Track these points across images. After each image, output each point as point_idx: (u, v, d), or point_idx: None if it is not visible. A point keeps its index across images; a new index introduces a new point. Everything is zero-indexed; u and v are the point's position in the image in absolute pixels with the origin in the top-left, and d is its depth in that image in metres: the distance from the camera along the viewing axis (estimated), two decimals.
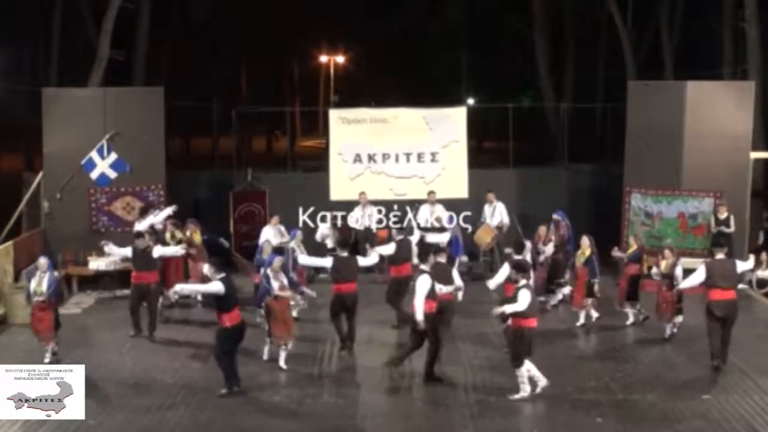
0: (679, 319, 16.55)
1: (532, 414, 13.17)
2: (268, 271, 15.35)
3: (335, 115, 24.37)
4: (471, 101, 41.86)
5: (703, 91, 21.64)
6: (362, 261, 17.01)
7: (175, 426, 12.86)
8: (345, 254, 16.63)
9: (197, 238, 19.48)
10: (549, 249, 18.74)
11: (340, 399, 13.77)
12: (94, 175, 21.41)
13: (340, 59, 55.46)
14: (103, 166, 21.40)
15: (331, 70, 56.02)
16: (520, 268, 14.03)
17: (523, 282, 13.63)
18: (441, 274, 14.88)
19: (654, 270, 16.93)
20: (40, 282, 15.39)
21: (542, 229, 19.24)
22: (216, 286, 13.83)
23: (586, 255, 17.66)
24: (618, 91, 25.55)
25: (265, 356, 15.31)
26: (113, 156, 21.39)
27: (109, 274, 20.60)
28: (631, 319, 17.68)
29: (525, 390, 13.59)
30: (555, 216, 19.79)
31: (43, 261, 15.68)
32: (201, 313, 18.82)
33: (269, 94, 44.39)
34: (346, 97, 49.41)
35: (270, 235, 20.17)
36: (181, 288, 15.41)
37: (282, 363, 15.04)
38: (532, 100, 37.79)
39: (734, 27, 25.89)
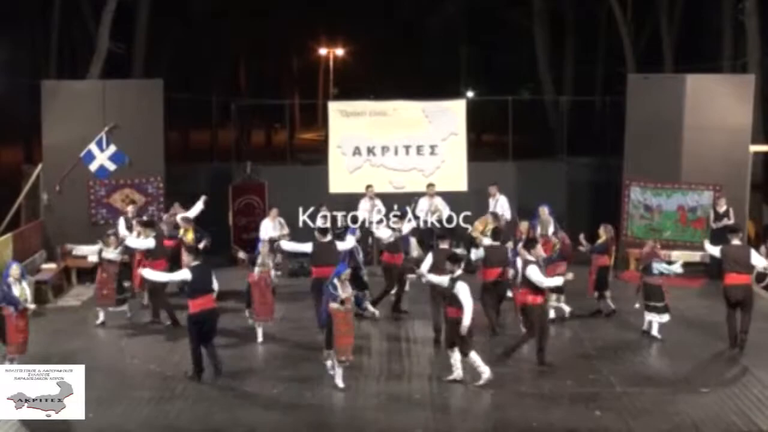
0: (665, 318, 16.21)
1: (530, 408, 13.12)
2: (335, 280, 13.89)
3: (334, 108, 24.32)
4: (470, 94, 41.84)
5: (703, 85, 21.60)
6: (341, 245, 17.21)
7: (174, 419, 12.85)
8: (325, 239, 16.92)
9: (189, 236, 19.11)
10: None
11: (339, 392, 13.73)
12: (93, 167, 21.38)
13: (340, 52, 55.43)
14: (102, 158, 21.38)
15: (331, 63, 56.02)
16: (452, 258, 14.28)
17: (458, 272, 13.87)
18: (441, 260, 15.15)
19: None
20: (23, 290, 14.29)
21: (524, 225, 18.92)
22: (184, 274, 14.33)
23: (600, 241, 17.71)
24: (618, 84, 25.54)
25: (333, 375, 14.02)
26: (112, 148, 21.36)
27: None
28: (598, 308, 17.79)
29: (485, 373, 13.77)
30: (542, 208, 19.50)
31: (15, 267, 14.42)
32: None
33: (268, 87, 44.34)
34: (346, 89, 49.44)
35: (269, 228, 20.16)
36: (147, 274, 15.39)
37: (340, 381, 13.85)
38: (531, 93, 37.73)
39: (734, 20, 25.86)
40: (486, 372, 13.76)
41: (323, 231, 17.27)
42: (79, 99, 21.57)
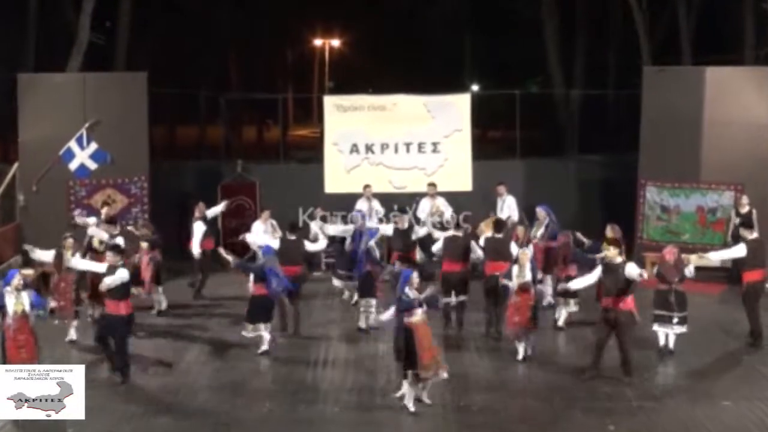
0: (682, 329, 15.95)
1: (539, 423, 13.11)
2: (407, 288, 13.39)
3: (330, 103, 24.32)
4: (475, 87, 41.84)
5: (723, 77, 21.62)
6: (309, 246, 17.55)
7: None
8: (293, 237, 17.33)
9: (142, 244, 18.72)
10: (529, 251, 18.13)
11: (335, 407, 13.72)
12: (72, 166, 21.36)
13: (336, 43, 55.36)
14: (82, 156, 21.36)
15: (326, 55, 55.93)
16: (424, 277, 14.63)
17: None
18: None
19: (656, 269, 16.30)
20: (19, 299, 13.65)
21: (520, 230, 18.76)
22: (123, 274, 14.45)
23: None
24: (632, 77, 25.53)
25: (406, 401, 13.44)
26: (93, 146, 21.33)
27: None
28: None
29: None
30: (539, 210, 19.45)
31: (18, 277, 13.77)
32: (186, 316, 18.77)
33: (260, 80, 44.27)
34: (342, 83, 49.37)
35: (260, 231, 20.12)
36: (75, 263, 15.58)
37: (412, 405, 13.35)
38: (540, 87, 37.75)
39: (756, 8, 25.85)
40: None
41: (292, 227, 17.67)
42: (58, 93, 21.57)
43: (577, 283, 15.40)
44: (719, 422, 13.06)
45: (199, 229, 19.95)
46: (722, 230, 21.11)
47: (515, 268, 15.62)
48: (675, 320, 15.73)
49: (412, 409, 13.24)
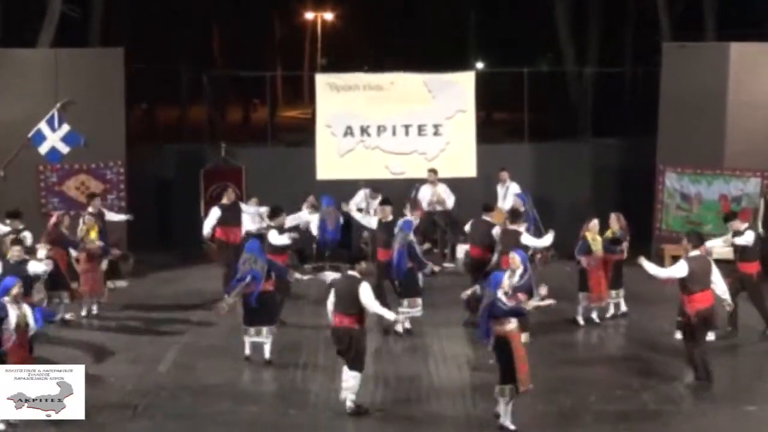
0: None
1: (549, 428, 13.14)
2: (500, 293, 12.86)
3: (323, 81, 24.34)
4: (480, 65, 41.82)
5: (749, 54, 21.64)
6: (274, 239, 17.36)
7: None
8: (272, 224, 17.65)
9: (93, 235, 18.50)
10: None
11: (328, 411, 13.76)
12: (43, 149, 21.31)
13: (329, 16, 55.30)
14: (53, 139, 21.31)
15: (318, 29, 55.88)
16: (357, 256, 14.28)
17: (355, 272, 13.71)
18: None
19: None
20: (23, 314, 13.31)
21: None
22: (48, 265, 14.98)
23: (607, 237, 17.65)
24: (650, 54, 25.54)
25: (503, 420, 12.95)
26: (65, 128, 21.27)
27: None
28: (611, 311, 17.89)
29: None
30: (515, 199, 19.52)
31: (17, 287, 13.37)
32: (163, 312, 18.81)
33: (246, 57, 44.25)
34: (336, 60, 49.40)
35: (247, 219, 20.17)
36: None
37: (510, 423, 12.89)
38: (550, 64, 37.74)
39: None
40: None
41: (273, 213, 17.86)
42: (27, 70, 21.58)
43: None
44: (743, 428, 13.11)
45: (214, 213, 19.87)
46: (747, 220, 21.10)
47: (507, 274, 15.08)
48: None
49: (512, 427, 12.80)
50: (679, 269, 14.38)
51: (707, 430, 13.07)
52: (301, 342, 16.65)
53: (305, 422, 13.38)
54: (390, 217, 18.03)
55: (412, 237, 17.39)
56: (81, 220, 18.59)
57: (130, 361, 15.86)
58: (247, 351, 15.70)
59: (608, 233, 17.76)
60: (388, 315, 13.87)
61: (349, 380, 13.44)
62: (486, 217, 17.97)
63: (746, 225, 17.25)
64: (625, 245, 17.93)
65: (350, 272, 13.62)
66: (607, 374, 15.23)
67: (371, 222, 18.57)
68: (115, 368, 15.44)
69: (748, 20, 28.66)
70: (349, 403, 13.44)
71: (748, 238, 16.64)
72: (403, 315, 16.81)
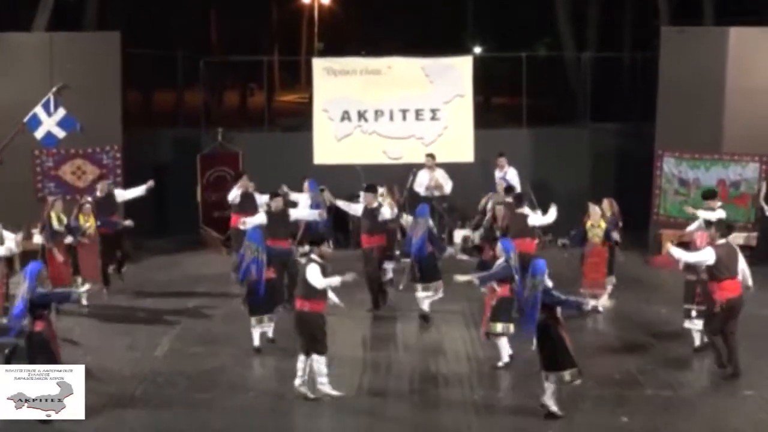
0: None
1: (546, 412, 13.15)
2: (547, 279, 12.94)
3: (320, 66, 24.30)
4: (478, 50, 41.72)
5: (748, 39, 21.60)
6: (295, 213, 17.99)
7: (133, 426, 12.87)
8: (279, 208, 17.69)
9: (91, 222, 18.32)
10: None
11: (325, 396, 13.75)
12: (39, 134, 21.20)
13: (326, 0, 55.22)
14: (49, 123, 21.20)
15: (315, 13, 55.77)
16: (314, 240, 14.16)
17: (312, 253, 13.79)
18: None
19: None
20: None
21: (499, 210, 18.64)
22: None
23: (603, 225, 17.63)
24: (649, 38, 25.48)
25: (550, 405, 13.00)
26: (61, 112, 21.16)
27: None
28: (604, 299, 17.80)
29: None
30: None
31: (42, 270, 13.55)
32: (159, 298, 18.81)
33: (243, 41, 44.14)
34: (333, 44, 49.25)
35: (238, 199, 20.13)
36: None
37: (556, 406, 13.01)
38: (548, 49, 37.66)
39: None
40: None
41: (369, 188, 18.01)
42: (23, 54, 21.53)
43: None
44: (741, 413, 13.12)
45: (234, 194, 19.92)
46: (746, 206, 21.14)
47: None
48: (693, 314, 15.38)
49: (560, 413, 12.85)
50: (707, 255, 14.21)
51: (705, 415, 13.06)
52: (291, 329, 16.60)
53: (301, 407, 13.40)
54: (375, 204, 18.01)
55: (431, 221, 17.58)
56: (77, 207, 18.45)
57: (126, 346, 15.87)
58: (257, 342, 15.59)
59: (601, 220, 17.69)
60: (335, 282, 13.70)
61: (314, 365, 13.51)
62: (522, 210, 17.91)
63: (720, 204, 17.50)
64: (615, 234, 17.91)
65: (311, 255, 13.68)
66: (604, 360, 15.23)
67: (357, 209, 18.42)
68: (111, 354, 15.44)
69: (747, 8, 28.58)
70: (325, 389, 13.49)
71: (718, 214, 16.73)
72: (427, 299, 17.09)
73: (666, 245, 20.07)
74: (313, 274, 13.40)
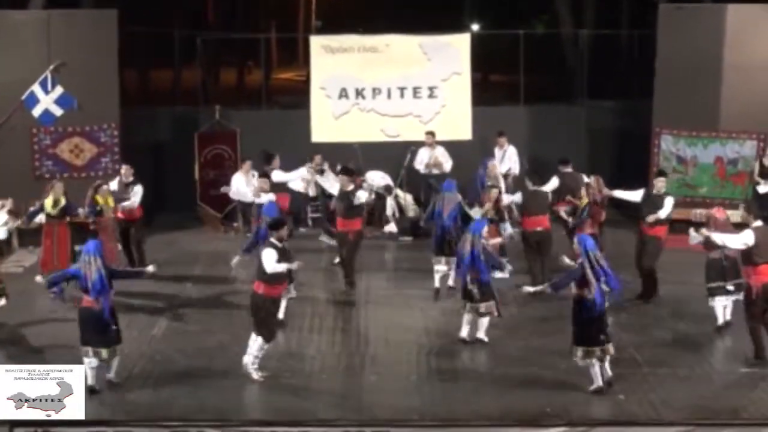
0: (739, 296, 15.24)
1: (543, 391, 13.18)
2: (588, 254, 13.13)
3: (317, 43, 24.24)
4: (475, 27, 41.60)
5: (746, 16, 21.54)
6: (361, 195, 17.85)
7: (132, 403, 12.93)
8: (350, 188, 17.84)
9: (110, 203, 18.37)
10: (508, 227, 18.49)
11: (323, 374, 13.81)
12: (36, 112, 21.18)
13: None
14: (47, 101, 21.18)
15: None
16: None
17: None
18: None
19: (693, 233, 15.36)
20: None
21: (494, 193, 18.42)
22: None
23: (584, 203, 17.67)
24: (647, 15, 25.40)
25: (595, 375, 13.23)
26: (59, 90, 21.13)
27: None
28: None
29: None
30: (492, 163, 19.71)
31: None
32: (157, 276, 18.79)
33: (240, 18, 44.04)
34: (330, 21, 49.08)
35: (241, 183, 20.17)
36: None
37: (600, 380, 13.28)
38: (546, 26, 37.58)
39: None
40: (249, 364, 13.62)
41: (345, 171, 18.03)
42: (19, 32, 21.45)
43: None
44: (739, 391, 13.18)
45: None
46: (743, 183, 21.14)
47: None
48: (730, 287, 15.25)
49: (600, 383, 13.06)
50: (747, 237, 13.86)
51: (702, 392, 13.09)
52: (296, 303, 16.59)
53: (300, 385, 13.45)
54: (350, 187, 17.85)
55: (459, 196, 17.46)
56: (92, 189, 18.28)
57: (124, 325, 15.77)
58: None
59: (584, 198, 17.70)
60: (286, 268, 13.72)
61: (251, 344, 13.62)
62: (537, 187, 17.93)
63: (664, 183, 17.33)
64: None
65: (270, 239, 13.73)
66: None
67: (334, 189, 18.41)
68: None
69: None
70: (249, 369, 13.56)
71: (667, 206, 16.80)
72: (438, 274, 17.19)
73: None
74: (265, 258, 13.46)
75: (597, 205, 17.80)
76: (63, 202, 17.73)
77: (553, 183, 18.54)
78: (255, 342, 13.59)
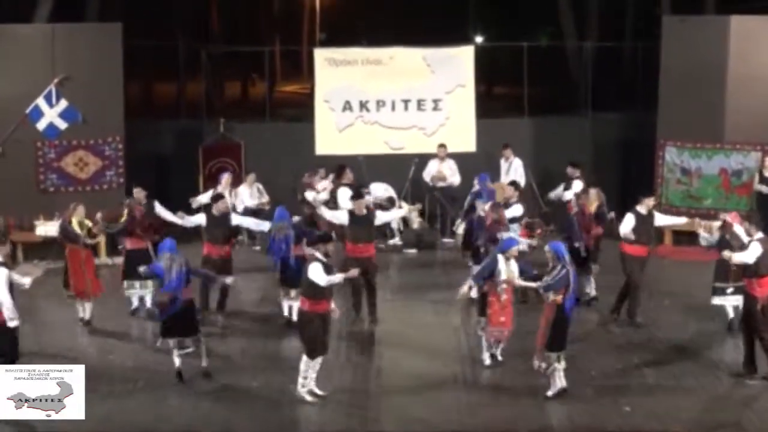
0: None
1: (549, 403, 13.14)
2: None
3: (321, 56, 24.30)
4: (479, 39, 41.70)
5: (750, 28, 21.56)
6: (382, 217, 17.49)
7: (136, 415, 12.91)
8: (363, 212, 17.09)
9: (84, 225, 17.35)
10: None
11: (328, 387, 13.77)
12: (41, 125, 21.19)
13: None
14: (51, 115, 21.19)
15: (317, 3, 55.73)
16: (321, 239, 13.70)
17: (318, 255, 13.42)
18: None
19: (703, 234, 15.49)
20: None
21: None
22: None
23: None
24: (651, 27, 25.44)
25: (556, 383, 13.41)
26: (63, 103, 21.16)
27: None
28: (591, 290, 17.50)
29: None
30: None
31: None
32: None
33: (244, 31, 44.13)
34: (334, 34, 49.24)
35: (246, 195, 20.18)
36: None
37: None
38: (550, 38, 37.64)
39: None
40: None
41: (357, 195, 17.17)
42: (24, 45, 21.47)
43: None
44: (744, 403, 13.14)
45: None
46: (747, 194, 21.12)
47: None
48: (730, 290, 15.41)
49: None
50: (755, 251, 13.78)
51: (707, 405, 13.07)
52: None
53: (303, 399, 13.42)
54: (364, 212, 16.73)
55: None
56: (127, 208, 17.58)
57: (129, 338, 15.88)
58: (286, 313, 16.25)
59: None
60: (342, 278, 13.54)
61: (301, 365, 13.41)
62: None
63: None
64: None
65: (315, 253, 13.47)
66: (607, 349, 15.25)
67: (341, 217, 16.99)
68: (114, 345, 15.46)
69: None
70: (301, 393, 13.35)
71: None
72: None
73: (668, 234, 19.97)
74: (316, 272, 13.14)
75: (585, 216, 17.51)
76: (87, 223, 17.33)
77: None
78: (302, 362, 13.34)
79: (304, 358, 13.31)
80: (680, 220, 16.84)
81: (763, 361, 13.91)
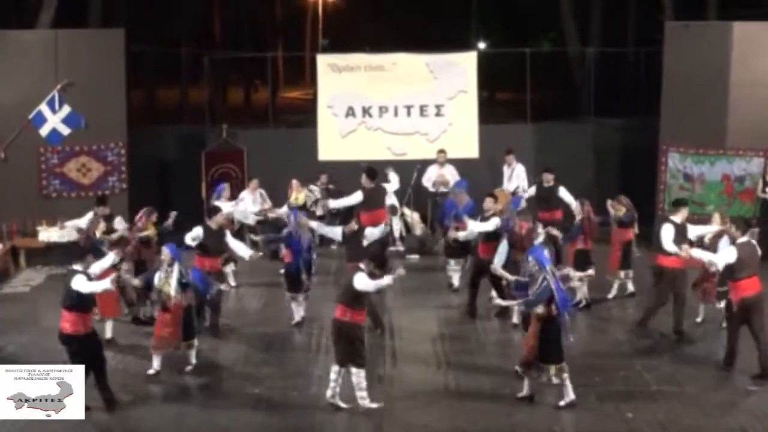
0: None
1: (551, 409, 13.14)
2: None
3: (324, 62, 24.30)
4: (482, 45, 41.73)
5: (752, 34, 21.53)
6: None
7: (140, 422, 12.91)
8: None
9: (152, 230, 17.56)
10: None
11: (329, 393, 13.77)
12: (43, 131, 21.33)
13: None
14: (54, 121, 21.32)
15: (320, 9, 55.79)
16: (378, 262, 13.36)
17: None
18: None
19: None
20: (165, 279, 14.28)
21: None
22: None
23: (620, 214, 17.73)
24: (653, 33, 25.43)
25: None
26: (66, 109, 21.29)
27: (62, 246, 20.49)
28: (614, 292, 17.97)
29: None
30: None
31: (165, 251, 14.43)
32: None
33: (247, 37, 44.21)
34: (337, 40, 49.26)
35: (249, 201, 20.16)
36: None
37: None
38: (552, 44, 37.65)
39: None
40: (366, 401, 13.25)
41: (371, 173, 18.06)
42: (27, 51, 21.48)
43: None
44: (745, 409, 13.14)
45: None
46: (750, 200, 21.12)
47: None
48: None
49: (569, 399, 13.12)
50: (730, 255, 14.04)
51: (710, 410, 13.05)
52: (311, 325, 16.66)
53: (307, 404, 13.41)
54: (356, 227, 16.69)
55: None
56: (145, 215, 17.48)
57: (131, 346, 15.86)
58: (297, 317, 16.62)
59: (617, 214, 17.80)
60: (387, 281, 13.11)
61: (354, 379, 13.23)
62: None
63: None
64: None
65: (361, 266, 13.25)
66: (610, 355, 15.24)
67: (336, 233, 17.17)
68: (116, 354, 15.42)
69: (752, 1, 28.51)
70: (365, 404, 13.20)
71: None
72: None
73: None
74: (362, 281, 12.93)
75: (590, 222, 17.53)
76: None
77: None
78: (358, 375, 13.17)
79: (360, 371, 13.13)
80: (711, 229, 16.50)
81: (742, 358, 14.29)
